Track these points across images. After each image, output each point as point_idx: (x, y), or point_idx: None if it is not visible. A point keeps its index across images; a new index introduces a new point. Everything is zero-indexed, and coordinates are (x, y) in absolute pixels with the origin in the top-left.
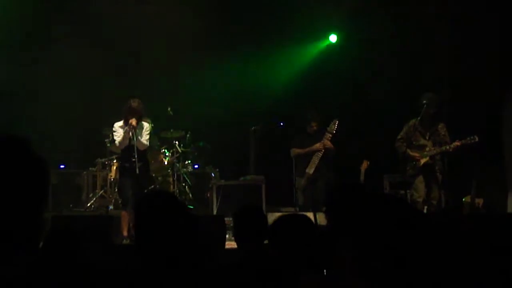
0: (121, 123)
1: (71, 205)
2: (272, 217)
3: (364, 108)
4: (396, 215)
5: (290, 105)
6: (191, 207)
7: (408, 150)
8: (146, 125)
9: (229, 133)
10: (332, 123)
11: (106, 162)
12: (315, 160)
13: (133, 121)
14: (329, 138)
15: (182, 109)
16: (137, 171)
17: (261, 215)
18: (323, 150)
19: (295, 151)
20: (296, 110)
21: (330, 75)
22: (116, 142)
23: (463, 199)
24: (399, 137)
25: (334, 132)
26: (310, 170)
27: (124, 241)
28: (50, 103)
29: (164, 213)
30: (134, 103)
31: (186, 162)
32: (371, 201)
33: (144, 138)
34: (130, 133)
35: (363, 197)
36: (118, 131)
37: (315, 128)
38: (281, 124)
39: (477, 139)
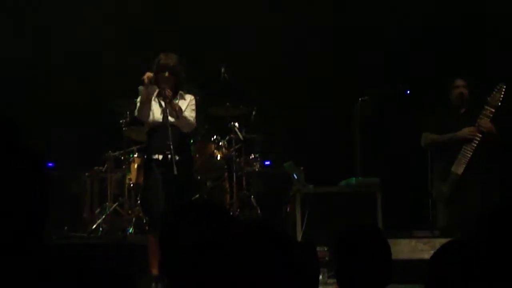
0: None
1: (66, 228)
2: (396, 246)
3: None
4: None
5: (419, 60)
6: None
7: None
8: (189, 98)
9: (319, 109)
10: (495, 91)
11: (122, 157)
12: (466, 153)
13: (168, 90)
14: (490, 116)
15: (243, 71)
16: (175, 170)
17: (383, 243)
18: (478, 137)
19: (429, 137)
20: (427, 68)
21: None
22: (136, 110)
23: None
24: None
25: (500, 104)
26: (458, 169)
27: (154, 286)
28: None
29: (215, 240)
30: (167, 58)
31: (252, 157)
32: None
33: (188, 113)
34: (163, 104)
35: None
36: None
37: (462, 91)
38: (407, 91)
39: None
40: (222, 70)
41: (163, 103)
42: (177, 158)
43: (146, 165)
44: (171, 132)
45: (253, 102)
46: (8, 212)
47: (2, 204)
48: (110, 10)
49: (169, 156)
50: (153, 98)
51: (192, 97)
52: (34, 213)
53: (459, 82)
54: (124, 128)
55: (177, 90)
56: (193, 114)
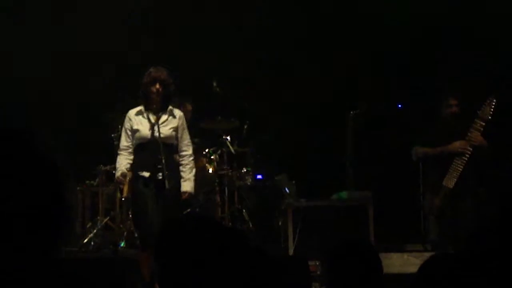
0: (137, 109)
1: None
2: (388, 260)
3: None
4: None
5: (412, 72)
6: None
7: None
8: (178, 115)
9: (311, 122)
10: (485, 104)
11: (114, 171)
12: (457, 166)
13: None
14: (480, 129)
15: (235, 84)
16: (166, 185)
17: (374, 257)
18: (469, 150)
19: (420, 150)
20: (421, 81)
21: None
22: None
23: None
24: None
25: (490, 118)
26: (450, 182)
27: None
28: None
29: (208, 254)
30: (157, 71)
31: (244, 170)
32: None
33: (186, 137)
34: (152, 119)
35: None
36: (133, 122)
37: (455, 110)
38: (399, 105)
39: None
40: (214, 84)
41: (152, 119)
42: (168, 173)
43: (133, 181)
44: (162, 148)
45: (245, 115)
46: (19, 222)
47: (14, 213)
48: (106, 22)
49: (160, 171)
50: (142, 113)
51: (182, 114)
52: (48, 224)
53: (452, 101)
54: (115, 142)
55: (167, 104)
56: (187, 134)
